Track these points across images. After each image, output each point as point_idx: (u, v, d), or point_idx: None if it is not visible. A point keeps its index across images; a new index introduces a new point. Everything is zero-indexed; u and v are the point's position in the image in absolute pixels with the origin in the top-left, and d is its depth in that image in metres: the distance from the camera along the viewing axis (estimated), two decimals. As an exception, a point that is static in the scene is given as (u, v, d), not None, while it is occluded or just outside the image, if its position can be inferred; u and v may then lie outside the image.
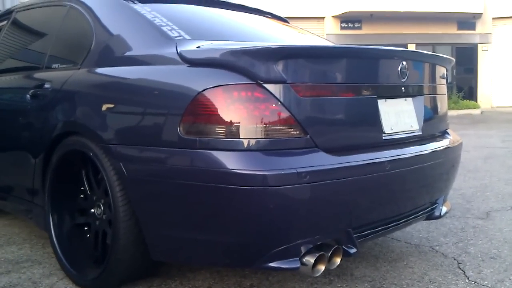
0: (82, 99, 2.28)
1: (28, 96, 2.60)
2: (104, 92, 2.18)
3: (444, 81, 2.59)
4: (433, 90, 2.45)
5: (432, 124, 2.45)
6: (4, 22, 3.29)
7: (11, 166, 2.86)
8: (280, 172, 1.68)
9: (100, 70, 2.26)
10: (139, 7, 2.34)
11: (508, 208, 3.62)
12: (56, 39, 2.74)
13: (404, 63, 2.14)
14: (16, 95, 2.87)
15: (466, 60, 19.82)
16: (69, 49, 2.68)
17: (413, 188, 2.20)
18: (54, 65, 2.65)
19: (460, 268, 2.44)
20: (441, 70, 2.53)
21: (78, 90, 2.30)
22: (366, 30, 19.41)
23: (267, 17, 3.18)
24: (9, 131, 2.82)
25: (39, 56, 2.85)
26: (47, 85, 2.51)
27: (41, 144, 2.43)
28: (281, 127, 1.76)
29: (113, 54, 2.27)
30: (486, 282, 2.27)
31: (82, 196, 2.37)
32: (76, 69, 2.38)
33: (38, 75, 2.73)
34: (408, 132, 2.22)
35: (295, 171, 1.69)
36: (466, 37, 20.01)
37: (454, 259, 2.57)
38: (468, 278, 2.32)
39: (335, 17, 19.22)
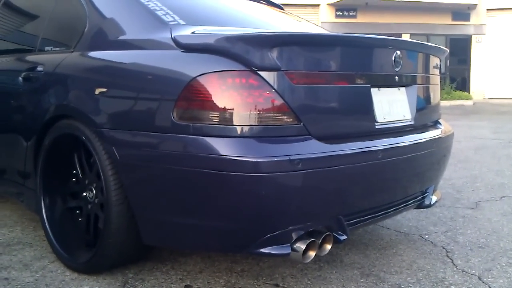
0: (75, 83, 2.27)
1: (20, 78, 2.58)
2: (97, 76, 2.17)
3: (437, 71, 2.60)
4: (426, 80, 2.46)
5: (425, 114, 2.46)
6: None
7: (3, 149, 2.84)
8: (272, 159, 1.69)
9: (93, 53, 2.25)
10: (133, -10, 2.31)
11: (497, 198, 3.66)
12: (49, 22, 2.71)
13: (398, 52, 2.14)
14: (8, 77, 2.84)
15: (459, 51, 19.80)
16: (62, 32, 2.65)
17: (404, 177, 2.22)
18: (47, 48, 2.63)
19: (448, 257, 2.47)
20: (434, 60, 2.54)
21: (71, 73, 2.29)
22: (361, 18, 19.33)
23: (262, 3, 3.17)
24: (1, 113, 2.80)
25: (32, 38, 2.82)
26: (39, 68, 2.49)
27: (33, 127, 2.41)
28: (274, 115, 1.77)
29: (106, 37, 2.26)
30: (473, 271, 2.30)
31: (74, 179, 2.37)
32: (69, 52, 2.37)
33: (31, 57, 2.71)
34: (401, 121, 2.24)
35: (288, 158, 1.70)
36: (460, 28, 19.98)
37: (443, 247, 2.60)
38: (456, 267, 2.35)
39: (330, 5, 19.12)
